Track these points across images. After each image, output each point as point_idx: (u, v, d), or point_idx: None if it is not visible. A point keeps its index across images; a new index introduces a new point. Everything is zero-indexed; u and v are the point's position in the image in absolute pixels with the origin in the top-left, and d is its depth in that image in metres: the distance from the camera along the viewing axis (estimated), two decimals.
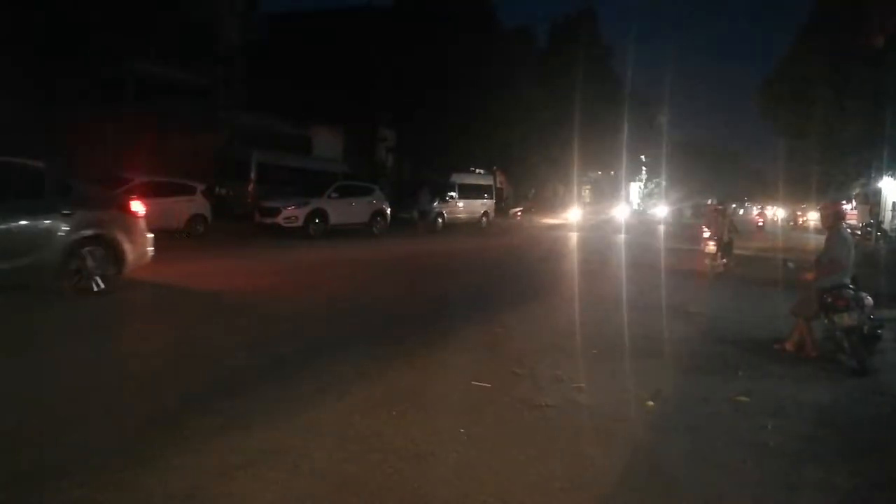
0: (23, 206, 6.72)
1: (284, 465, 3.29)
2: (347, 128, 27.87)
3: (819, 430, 4.22)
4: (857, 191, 33.38)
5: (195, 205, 15.21)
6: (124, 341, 5.83)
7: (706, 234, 13.04)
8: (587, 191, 51.31)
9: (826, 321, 5.97)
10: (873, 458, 3.88)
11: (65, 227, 6.93)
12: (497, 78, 27.81)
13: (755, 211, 62.46)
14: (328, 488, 3.08)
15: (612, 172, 53.11)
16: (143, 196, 13.63)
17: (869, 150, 25.88)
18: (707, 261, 12.80)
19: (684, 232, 29.36)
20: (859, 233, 23.78)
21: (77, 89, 16.08)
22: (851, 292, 5.83)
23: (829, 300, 5.86)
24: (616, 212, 40.88)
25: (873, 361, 5.73)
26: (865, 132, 25.04)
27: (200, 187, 15.47)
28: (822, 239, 6.46)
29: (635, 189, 63.51)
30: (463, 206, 25.55)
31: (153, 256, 8.22)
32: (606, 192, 53.16)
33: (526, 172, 37.28)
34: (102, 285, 7.27)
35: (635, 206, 60.48)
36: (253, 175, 18.83)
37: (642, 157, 57.52)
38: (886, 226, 24.29)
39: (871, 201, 30.47)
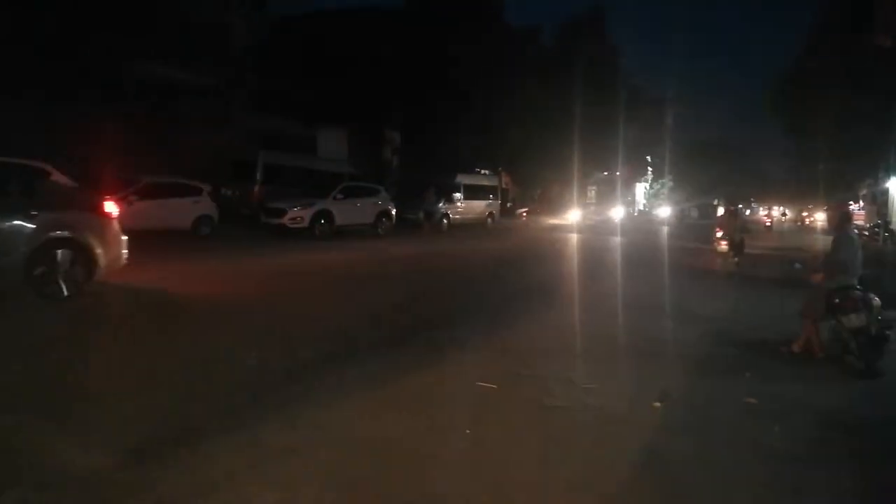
0: None
1: (290, 465, 3.30)
2: (353, 128, 27.90)
3: (827, 432, 4.21)
4: (864, 191, 33.23)
5: (201, 206, 15.25)
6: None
7: (719, 234, 13.77)
8: (593, 192, 51.18)
9: (834, 322, 5.94)
10: (882, 461, 3.86)
11: (30, 229, 6.56)
12: (503, 78, 27.80)
13: (762, 211, 62.35)
14: (334, 488, 3.09)
15: (618, 173, 52.98)
16: (149, 196, 13.92)
17: (877, 149, 25.76)
18: (719, 259, 13.60)
19: (688, 234, 29.23)
20: (867, 233, 23.64)
21: (83, 90, 16.13)
22: (859, 293, 5.80)
23: (837, 301, 5.83)
24: (613, 213, 39.99)
25: (881, 363, 5.69)
26: (874, 132, 24.92)
27: (207, 188, 15.51)
28: (829, 239, 6.43)
29: (641, 189, 63.35)
30: (468, 207, 25.51)
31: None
32: (612, 192, 53.01)
33: (531, 173, 37.26)
34: (67, 292, 6.83)
35: (641, 207, 60.36)
36: (259, 176, 18.85)
37: (648, 157, 57.33)
38: (894, 226, 24.08)
39: (879, 201, 30.29)
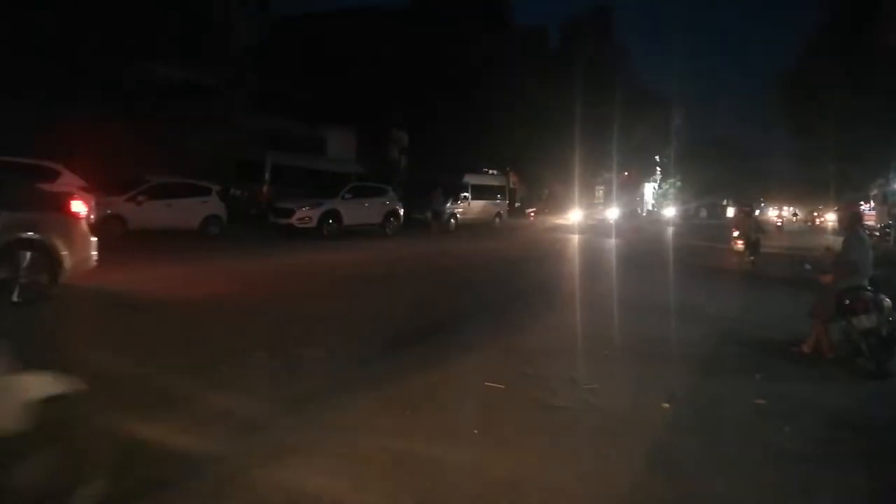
0: None
1: (299, 464, 3.31)
2: (360, 128, 27.97)
3: (837, 433, 4.18)
4: (875, 191, 32.95)
5: (210, 206, 15.32)
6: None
7: (735, 234, 14.32)
8: (600, 192, 51.01)
9: (844, 323, 5.90)
10: (892, 461, 3.84)
11: None
12: (510, 78, 27.78)
13: (772, 212, 62.01)
14: (342, 488, 3.10)
15: (624, 173, 52.80)
16: (158, 196, 14.01)
17: (888, 149, 25.56)
18: (735, 258, 14.14)
19: (696, 234, 29.05)
20: (877, 234, 23.44)
21: (84, 90, 16.22)
22: (870, 294, 5.76)
23: (848, 302, 5.79)
24: (608, 213, 38.63)
25: (892, 364, 5.64)
26: (883, 131, 24.74)
27: (215, 188, 15.58)
28: (839, 240, 6.39)
29: (650, 189, 63.17)
30: (476, 207, 25.49)
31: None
32: (622, 192, 52.82)
33: (539, 173, 37.19)
34: (29, 295, 6.46)
35: (650, 207, 60.16)
36: (267, 176, 18.92)
37: (656, 157, 57.12)
38: None
39: (890, 201, 30.01)
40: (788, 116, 34.84)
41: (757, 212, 19.75)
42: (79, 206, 7.24)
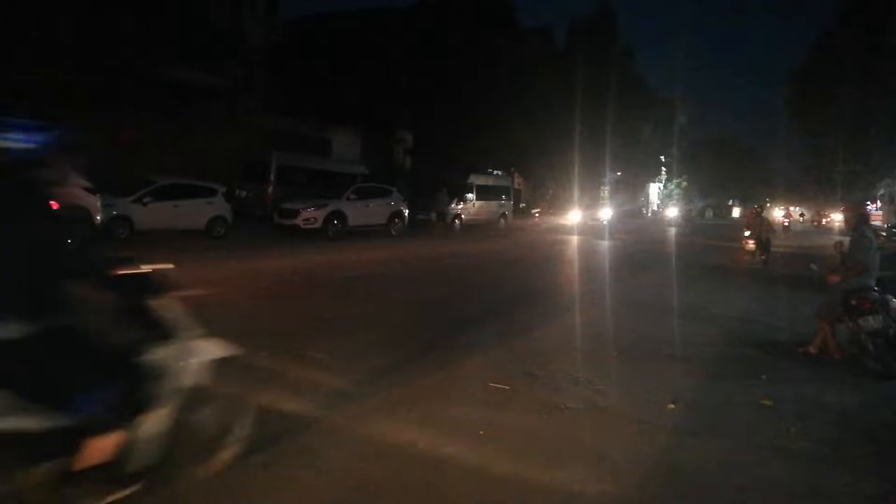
0: None
1: (303, 465, 3.32)
2: (366, 129, 28.01)
3: (844, 434, 4.16)
4: (882, 191, 32.82)
5: (216, 207, 15.38)
6: None
7: (747, 234, 14.87)
8: (606, 192, 50.96)
9: (851, 324, 5.88)
10: None
11: None
12: (515, 78, 27.76)
13: (778, 212, 61.76)
14: (347, 489, 3.10)
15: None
16: (164, 197, 14.06)
17: (894, 149, 25.44)
18: (747, 257, 14.72)
19: (701, 235, 28.88)
20: (884, 234, 23.33)
21: (96, 92, 16.28)
22: (877, 295, 5.73)
23: (854, 303, 5.77)
24: (602, 214, 38.14)
25: None
26: (890, 131, 24.63)
27: (221, 189, 15.63)
28: (847, 240, 6.36)
29: (655, 190, 63.00)
30: (481, 208, 25.50)
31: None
32: (627, 192, 52.72)
33: (543, 173, 37.14)
34: None
35: (655, 207, 60.00)
36: (273, 177, 18.97)
37: (661, 157, 56.97)
38: None
39: None
40: (795, 116, 34.73)
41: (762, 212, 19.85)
42: None
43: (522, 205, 37.10)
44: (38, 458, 2.32)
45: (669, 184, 59.44)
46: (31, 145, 2.47)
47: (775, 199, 67.83)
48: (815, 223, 49.18)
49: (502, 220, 26.95)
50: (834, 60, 27.69)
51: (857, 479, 3.49)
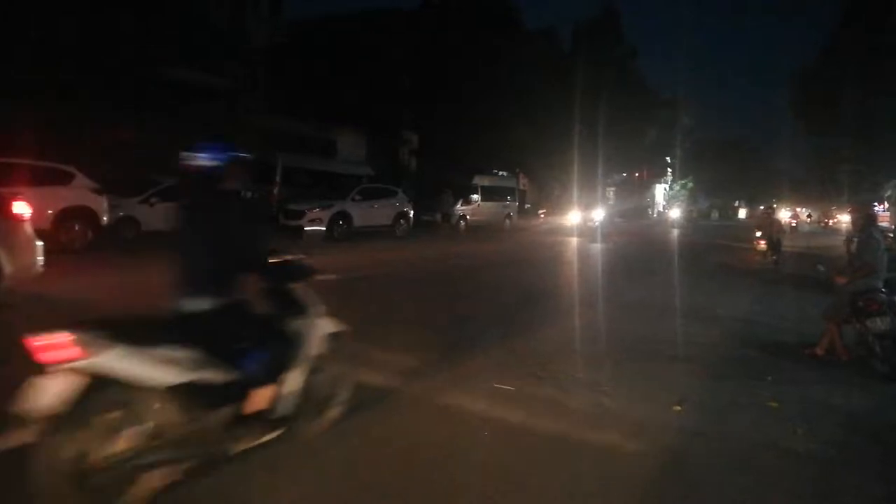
0: None
1: (308, 465, 3.33)
2: (370, 130, 28.04)
3: (851, 436, 4.14)
4: (889, 192, 32.65)
5: None
6: None
7: (758, 234, 15.08)
8: (612, 192, 50.88)
9: (858, 326, 5.85)
10: None
11: None
12: (520, 79, 27.75)
13: (785, 212, 61.55)
14: (352, 490, 3.11)
15: (638, 175, 52.70)
16: (170, 199, 14.10)
17: None
18: (758, 258, 14.93)
19: (704, 237, 28.71)
20: (891, 235, 23.22)
21: (102, 93, 16.33)
22: (884, 296, 5.70)
23: (862, 304, 5.74)
24: (594, 214, 36.57)
25: None
26: (894, 132, 24.53)
27: None
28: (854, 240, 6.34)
29: (660, 191, 62.90)
30: (486, 209, 25.50)
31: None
32: (633, 193, 52.68)
33: (548, 175, 37.11)
34: None
35: (660, 209, 59.88)
36: (278, 178, 19.00)
37: (667, 158, 56.88)
38: None
39: None
40: (802, 117, 34.60)
41: None
42: (21, 208, 6.60)
43: (528, 205, 37.10)
44: (219, 403, 2.92)
45: (675, 184, 59.34)
46: (217, 161, 3.06)
47: (781, 200, 67.67)
48: (823, 224, 49.04)
49: (507, 221, 26.94)
50: (837, 61, 27.60)
51: (864, 480, 3.48)
